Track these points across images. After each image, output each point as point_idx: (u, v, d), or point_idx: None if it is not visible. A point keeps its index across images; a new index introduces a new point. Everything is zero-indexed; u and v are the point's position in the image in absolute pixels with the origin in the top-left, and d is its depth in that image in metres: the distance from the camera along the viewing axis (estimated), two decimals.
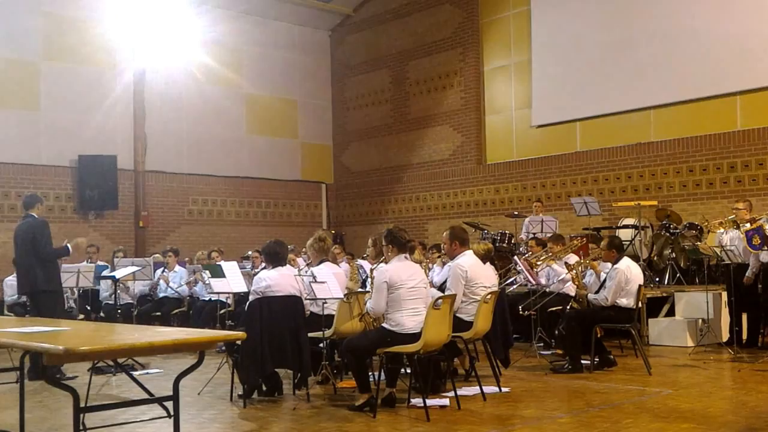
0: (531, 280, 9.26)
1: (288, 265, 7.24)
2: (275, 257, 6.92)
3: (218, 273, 7.86)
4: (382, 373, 6.24)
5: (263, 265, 10.43)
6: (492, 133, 15.95)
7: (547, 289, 9.19)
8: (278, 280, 6.71)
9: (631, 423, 5.56)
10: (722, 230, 9.41)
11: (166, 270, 11.69)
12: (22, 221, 8.55)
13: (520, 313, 9.02)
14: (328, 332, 6.94)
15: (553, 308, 9.10)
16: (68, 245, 8.41)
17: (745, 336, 9.35)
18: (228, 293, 8.66)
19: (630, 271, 7.91)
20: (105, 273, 10.69)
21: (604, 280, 8.14)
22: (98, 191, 14.66)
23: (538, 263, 9.29)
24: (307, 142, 18.31)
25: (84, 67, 14.90)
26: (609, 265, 8.19)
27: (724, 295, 9.62)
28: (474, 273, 6.99)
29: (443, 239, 7.40)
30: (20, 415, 5.10)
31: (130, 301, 11.32)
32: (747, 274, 8.99)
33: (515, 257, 10.24)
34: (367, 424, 5.73)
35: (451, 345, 6.73)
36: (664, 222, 11.69)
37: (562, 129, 14.69)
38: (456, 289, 6.86)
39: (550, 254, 9.42)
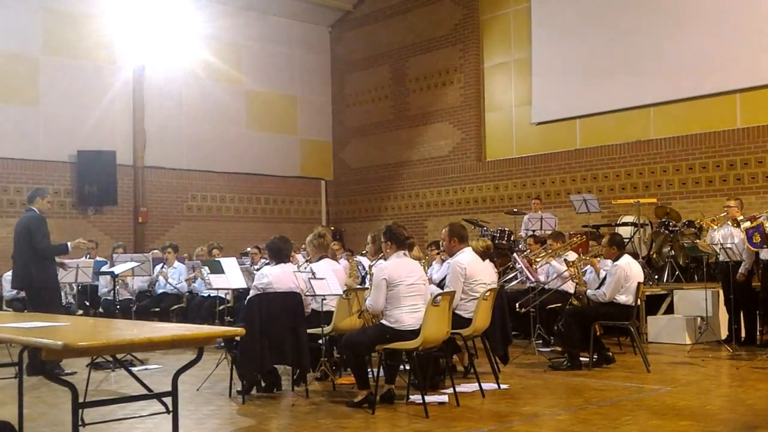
0: (530, 277, 9.26)
1: (290, 263, 7.23)
2: (279, 253, 6.92)
3: (217, 269, 7.86)
4: (381, 370, 6.24)
5: (263, 261, 10.47)
6: (492, 130, 15.95)
7: (546, 287, 9.19)
8: (280, 276, 6.71)
9: (630, 420, 5.57)
10: (714, 227, 9.43)
11: (165, 266, 11.69)
12: (22, 215, 8.52)
13: (517, 310, 9.02)
14: (327, 329, 6.94)
15: (552, 305, 9.10)
16: (68, 244, 8.34)
17: (743, 334, 9.36)
18: (227, 289, 8.65)
19: (630, 268, 7.91)
20: (104, 269, 10.68)
21: (604, 278, 8.14)
22: (97, 187, 14.67)
23: (537, 260, 9.29)
24: (307, 138, 18.30)
25: (83, 62, 14.89)
26: (609, 262, 8.19)
27: (722, 292, 9.63)
28: (473, 270, 6.99)
29: (442, 236, 7.39)
30: (19, 411, 5.10)
31: (129, 297, 11.32)
32: (740, 270, 9.01)
33: (514, 254, 10.24)
34: (365, 421, 5.74)
35: (450, 342, 6.72)
36: (664, 220, 11.69)
37: (561, 126, 14.68)
38: (455, 286, 6.86)
39: (550, 251, 9.42)
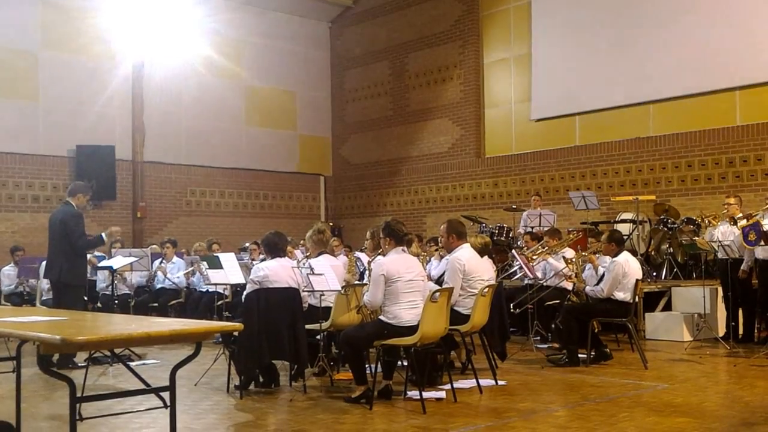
0: (529, 273, 9.27)
1: (287, 257, 7.24)
2: (274, 248, 6.93)
3: (216, 264, 7.86)
4: (379, 366, 6.25)
5: (262, 256, 10.46)
6: (491, 126, 15.94)
7: (544, 283, 9.20)
8: (277, 270, 6.71)
9: (627, 417, 5.58)
10: (714, 225, 9.44)
11: (163, 261, 11.69)
12: (59, 208, 8.51)
13: (512, 310, 9.00)
14: (325, 324, 6.94)
15: (551, 302, 9.11)
16: (103, 235, 8.35)
17: (741, 331, 9.37)
18: (225, 284, 8.65)
19: (628, 264, 7.92)
20: (102, 263, 10.69)
21: (603, 275, 8.15)
22: (96, 182, 14.63)
23: (534, 257, 9.30)
24: (306, 134, 18.29)
25: (83, 57, 14.87)
26: (608, 258, 8.20)
27: (721, 289, 9.64)
28: (471, 266, 6.99)
29: (441, 232, 7.40)
30: (16, 405, 5.10)
31: (128, 292, 11.32)
32: (742, 268, 9.02)
33: (513, 251, 10.24)
34: (363, 416, 5.74)
35: (448, 338, 6.73)
36: (662, 217, 11.69)
37: (561, 123, 14.68)
38: (453, 282, 6.86)
39: (547, 248, 9.43)
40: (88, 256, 9.67)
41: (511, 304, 9.01)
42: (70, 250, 8.16)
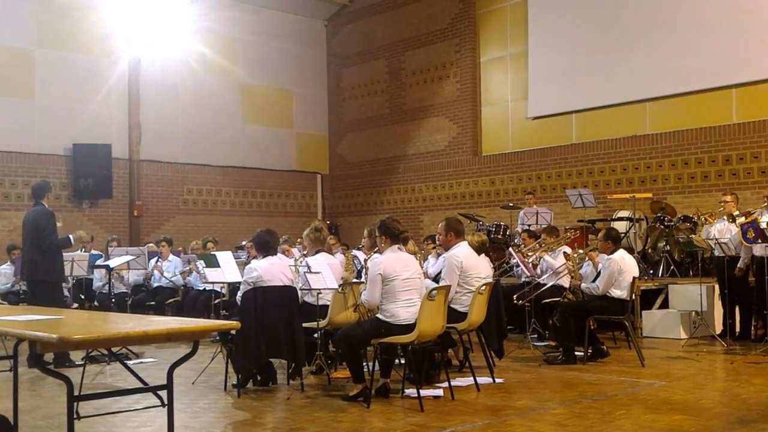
0: (526, 272, 9.28)
1: (279, 255, 7.23)
2: (265, 246, 6.92)
3: (213, 263, 7.86)
4: (376, 364, 6.25)
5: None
6: (488, 124, 15.94)
7: (541, 281, 9.20)
8: (269, 269, 6.70)
9: (624, 414, 5.58)
10: (711, 223, 9.46)
11: (160, 259, 11.67)
12: (31, 209, 8.62)
13: (515, 302, 9.00)
14: (322, 322, 6.94)
15: (548, 300, 9.12)
16: (71, 237, 8.57)
17: (738, 328, 9.38)
18: (222, 283, 8.65)
19: (624, 262, 7.93)
20: (99, 262, 10.67)
21: (600, 272, 8.15)
22: (93, 180, 14.63)
23: (529, 254, 9.30)
24: (303, 132, 18.28)
25: (79, 55, 14.85)
26: (604, 256, 8.21)
27: (718, 287, 9.66)
28: (469, 264, 6.99)
29: (439, 230, 7.40)
30: (14, 404, 5.09)
31: (125, 291, 11.32)
32: (739, 265, 9.03)
33: (510, 249, 10.25)
34: (360, 414, 5.74)
35: (445, 336, 6.73)
36: (659, 214, 11.71)
37: (557, 121, 14.69)
38: (451, 280, 6.86)
39: (544, 246, 9.44)
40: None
41: (515, 296, 8.98)
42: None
